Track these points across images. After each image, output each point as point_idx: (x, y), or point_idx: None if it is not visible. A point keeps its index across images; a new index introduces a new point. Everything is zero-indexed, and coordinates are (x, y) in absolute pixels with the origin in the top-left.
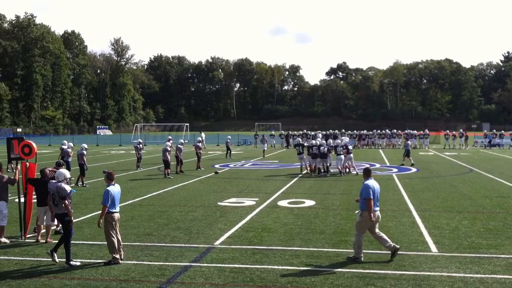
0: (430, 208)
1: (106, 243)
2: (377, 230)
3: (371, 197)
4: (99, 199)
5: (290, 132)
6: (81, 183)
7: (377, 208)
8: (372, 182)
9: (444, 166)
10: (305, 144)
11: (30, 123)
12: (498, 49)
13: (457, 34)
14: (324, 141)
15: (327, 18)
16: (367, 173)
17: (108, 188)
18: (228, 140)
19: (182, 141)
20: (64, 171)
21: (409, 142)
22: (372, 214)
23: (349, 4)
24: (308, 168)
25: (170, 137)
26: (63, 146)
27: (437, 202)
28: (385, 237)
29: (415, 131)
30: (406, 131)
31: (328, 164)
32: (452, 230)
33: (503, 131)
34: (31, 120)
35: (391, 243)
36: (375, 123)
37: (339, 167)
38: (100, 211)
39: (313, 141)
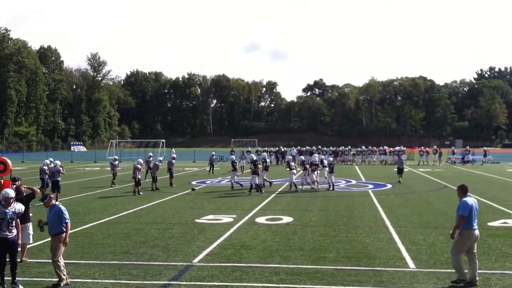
0: (407, 224)
1: (82, 261)
2: (475, 251)
3: (466, 214)
4: (73, 217)
5: (285, 148)
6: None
7: (476, 227)
8: (470, 200)
9: (419, 182)
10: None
11: (3, 139)
12: (471, 67)
13: (431, 52)
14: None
15: (302, 35)
16: (463, 190)
17: (62, 206)
18: (213, 156)
19: (160, 158)
20: (5, 190)
21: (402, 158)
22: (459, 232)
23: (325, 22)
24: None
25: (151, 154)
26: (50, 165)
27: (413, 218)
28: (477, 264)
29: (403, 147)
30: (397, 148)
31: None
32: (429, 246)
33: (467, 147)
34: (4, 136)
35: (476, 274)
36: (350, 140)
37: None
38: (64, 232)
39: (252, 156)
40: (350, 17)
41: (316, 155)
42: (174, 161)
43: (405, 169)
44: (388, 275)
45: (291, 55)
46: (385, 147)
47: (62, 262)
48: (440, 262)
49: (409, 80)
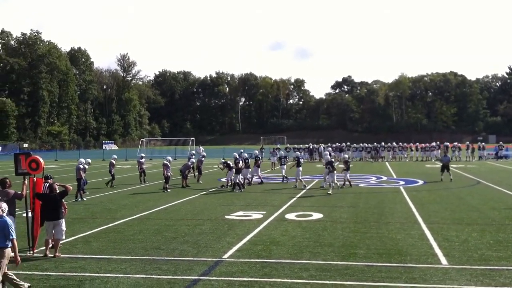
0: (439, 221)
1: (114, 257)
2: None
3: None
4: (106, 213)
5: (316, 145)
6: (80, 198)
7: None
8: None
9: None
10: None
11: (36, 138)
12: (504, 61)
13: (462, 47)
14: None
15: (329, 32)
16: None
17: (9, 220)
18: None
19: (193, 160)
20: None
21: (448, 155)
22: None
23: (352, 18)
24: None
25: (193, 152)
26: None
27: (445, 214)
28: None
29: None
30: (446, 143)
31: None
32: (462, 243)
33: (501, 142)
34: (38, 135)
35: None
36: (380, 136)
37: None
38: (8, 247)
39: (235, 154)
40: (378, 13)
41: (327, 153)
42: (203, 159)
43: (436, 166)
44: (419, 271)
45: (317, 53)
46: (438, 143)
47: (10, 273)
48: (473, 258)
49: (440, 75)
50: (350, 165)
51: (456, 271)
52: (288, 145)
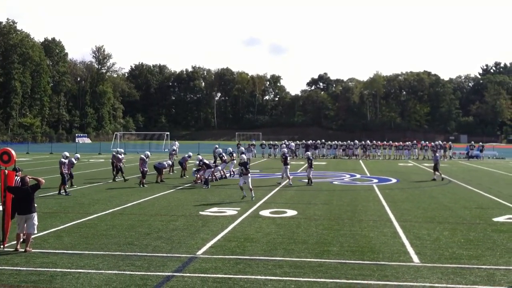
0: (411, 219)
1: (86, 252)
2: None
3: None
4: (79, 207)
5: (289, 142)
6: (63, 191)
7: None
8: None
9: (424, 177)
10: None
11: (7, 130)
12: (477, 62)
13: (437, 47)
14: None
15: (306, 29)
16: None
17: None
18: (216, 149)
19: (170, 162)
20: None
21: (437, 155)
22: None
23: (328, 15)
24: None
25: (174, 148)
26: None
27: (417, 212)
28: None
29: (443, 142)
30: (433, 143)
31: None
32: (433, 241)
33: (472, 142)
34: (9, 127)
35: None
36: (355, 134)
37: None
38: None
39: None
40: (354, 11)
41: (285, 149)
42: (189, 158)
43: (409, 164)
44: (392, 269)
45: (293, 49)
46: (423, 142)
47: None
48: (444, 257)
49: (414, 75)
50: (314, 162)
51: (427, 269)
52: (264, 141)
